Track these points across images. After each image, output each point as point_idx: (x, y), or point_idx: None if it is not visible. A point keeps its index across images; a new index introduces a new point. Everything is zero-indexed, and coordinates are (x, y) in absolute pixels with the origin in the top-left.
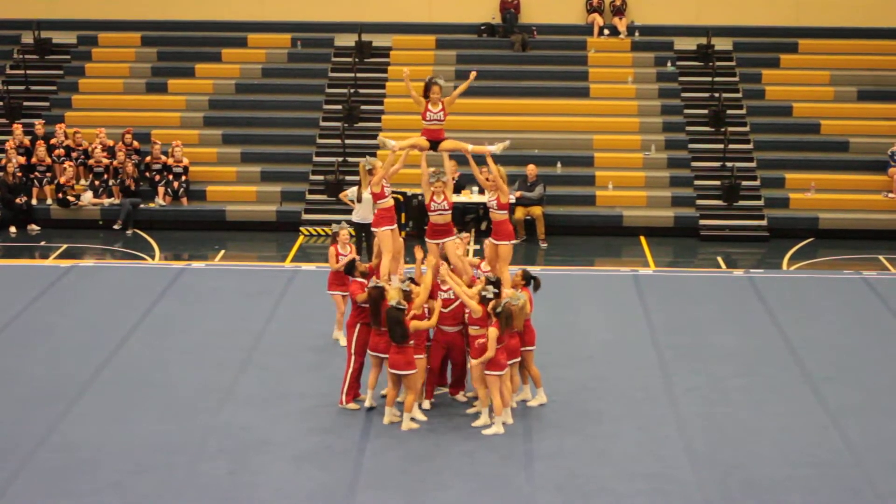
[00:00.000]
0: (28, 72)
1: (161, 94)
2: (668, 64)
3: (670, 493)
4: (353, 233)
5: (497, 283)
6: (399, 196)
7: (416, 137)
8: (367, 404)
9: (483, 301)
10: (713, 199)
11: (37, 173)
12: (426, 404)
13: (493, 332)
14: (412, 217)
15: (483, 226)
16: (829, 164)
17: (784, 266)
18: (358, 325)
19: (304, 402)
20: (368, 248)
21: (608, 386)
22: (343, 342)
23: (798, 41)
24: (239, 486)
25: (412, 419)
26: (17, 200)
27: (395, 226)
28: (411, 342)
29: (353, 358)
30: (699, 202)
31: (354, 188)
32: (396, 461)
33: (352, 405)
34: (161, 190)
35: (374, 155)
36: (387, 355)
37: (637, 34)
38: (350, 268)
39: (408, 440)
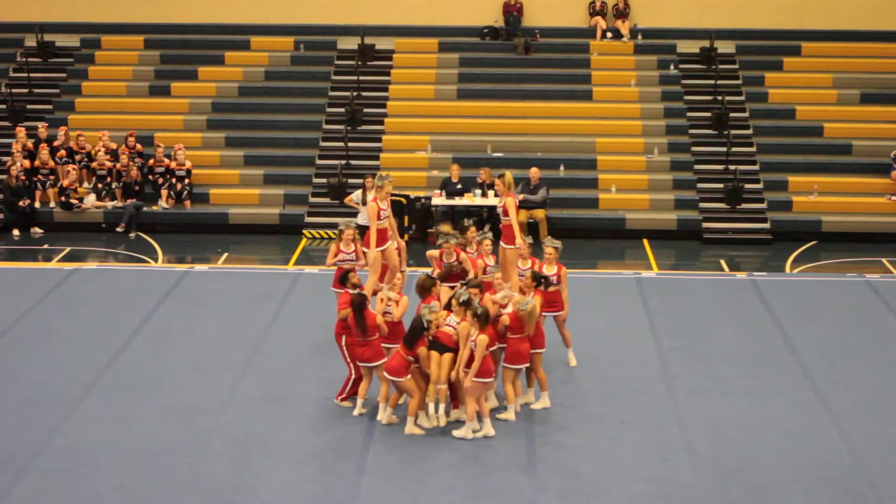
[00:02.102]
0: (31, 75)
1: (164, 97)
2: (671, 67)
3: (672, 495)
4: (358, 235)
5: (477, 284)
6: (402, 199)
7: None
8: (355, 412)
9: (464, 304)
10: (716, 202)
11: (40, 176)
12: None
13: (482, 339)
14: (415, 220)
15: (485, 228)
16: (831, 166)
17: (787, 269)
18: (343, 337)
19: (306, 404)
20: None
21: (611, 388)
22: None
23: (801, 44)
24: (241, 489)
25: (416, 424)
26: (21, 203)
27: (389, 243)
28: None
29: (350, 366)
30: (702, 205)
31: (359, 191)
32: (399, 463)
33: (346, 403)
34: (164, 193)
35: (376, 158)
36: (373, 363)
37: (640, 37)
38: (343, 278)
39: (410, 442)
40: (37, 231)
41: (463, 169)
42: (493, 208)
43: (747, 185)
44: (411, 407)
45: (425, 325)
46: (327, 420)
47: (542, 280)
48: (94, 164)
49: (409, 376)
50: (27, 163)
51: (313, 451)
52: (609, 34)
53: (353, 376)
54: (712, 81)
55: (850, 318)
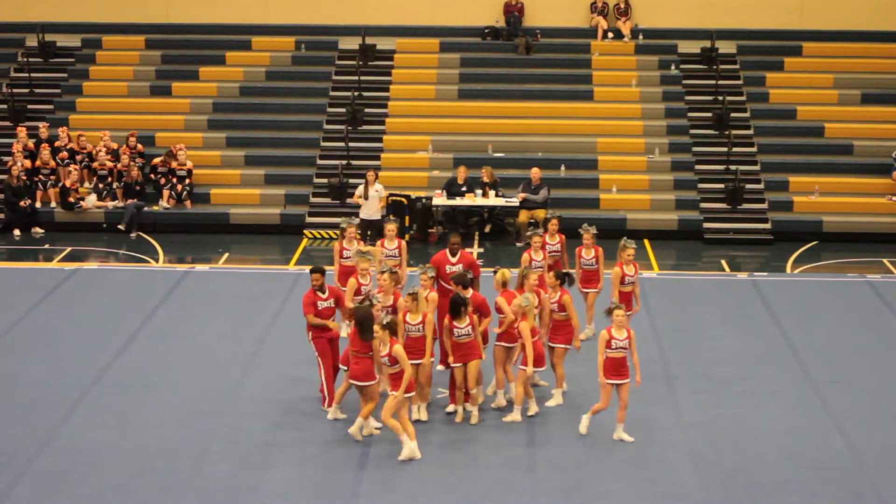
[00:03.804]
0: (32, 75)
1: (165, 97)
2: (672, 67)
3: (673, 496)
4: (360, 230)
5: (463, 279)
6: (403, 199)
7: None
8: (329, 417)
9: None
10: (717, 203)
11: (41, 176)
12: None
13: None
14: (416, 220)
15: (487, 229)
16: (832, 167)
17: (788, 269)
18: (311, 332)
19: (306, 404)
20: (373, 243)
21: None
22: (345, 333)
23: (802, 44)
24: (241, 490)
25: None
26: (22, 203)
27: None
28: (370, 353)
29: (319, 360)
30: (703, 205)
31: (361, 186)
32: (399, 464)
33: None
34: (165, 193)
35: (377, 158)
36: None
37: (641, 37)
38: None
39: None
40: (38, 231)
41: (469, 170)
42: (493, 208)
43: (748, 186)
44: (364, 411)
45: (372, 301)
46: (328, 420)
47: (565, 278)
48: (95, 164)
49: (375, 381)
50: (28, 163)
51: (314, 451)
52: (610, 34)
53: (326, 375)
54: (713, 81)
55: (851, 319)
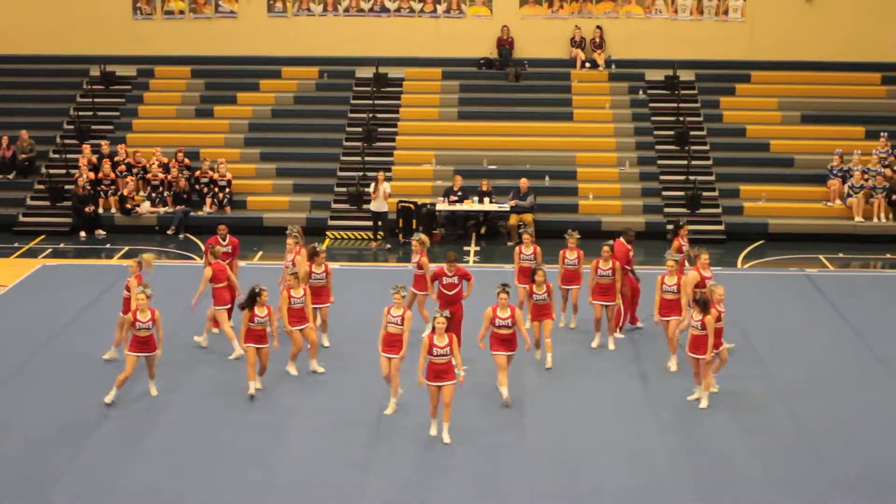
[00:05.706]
0: (95, 100)
1: (208, 118)
2: (640, 92)
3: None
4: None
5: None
6: (411, 205)
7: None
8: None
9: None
10: (678, 207)
11: (103, 186)
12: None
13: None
14: (422, 223)
15: (483, 230)
16: (777, 177)
17: (739, 265)
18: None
19: (311, 400)
20: (379, 230)
21: (587, 378)
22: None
23: (751, 73)
24: (250, 484)
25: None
26: (86, 209)
27: None
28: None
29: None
30: (666, 210)
31: (373, 184)
32: (399, 464)
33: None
34: (208, 200)
35: (388, 170)
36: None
37: (613, 67)
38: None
39: (411, 440)
40: (100, 233)
41: (463, 179)
42: (487, 213)
43: (705, 193)
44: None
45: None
46: (327, 419)
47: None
48: (148, 176)
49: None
50: (92, 175)
51: (318, 446)
52: (587, 64)
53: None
54: (675, 104)
55: (792, 307)
